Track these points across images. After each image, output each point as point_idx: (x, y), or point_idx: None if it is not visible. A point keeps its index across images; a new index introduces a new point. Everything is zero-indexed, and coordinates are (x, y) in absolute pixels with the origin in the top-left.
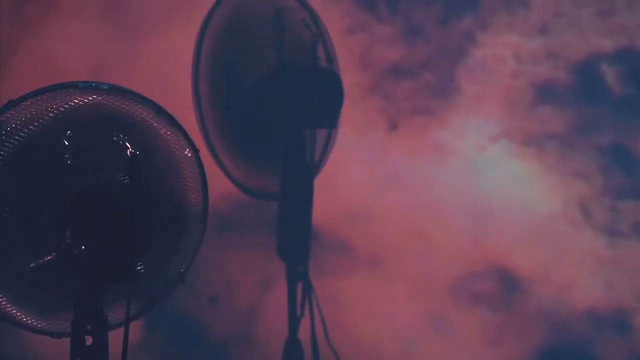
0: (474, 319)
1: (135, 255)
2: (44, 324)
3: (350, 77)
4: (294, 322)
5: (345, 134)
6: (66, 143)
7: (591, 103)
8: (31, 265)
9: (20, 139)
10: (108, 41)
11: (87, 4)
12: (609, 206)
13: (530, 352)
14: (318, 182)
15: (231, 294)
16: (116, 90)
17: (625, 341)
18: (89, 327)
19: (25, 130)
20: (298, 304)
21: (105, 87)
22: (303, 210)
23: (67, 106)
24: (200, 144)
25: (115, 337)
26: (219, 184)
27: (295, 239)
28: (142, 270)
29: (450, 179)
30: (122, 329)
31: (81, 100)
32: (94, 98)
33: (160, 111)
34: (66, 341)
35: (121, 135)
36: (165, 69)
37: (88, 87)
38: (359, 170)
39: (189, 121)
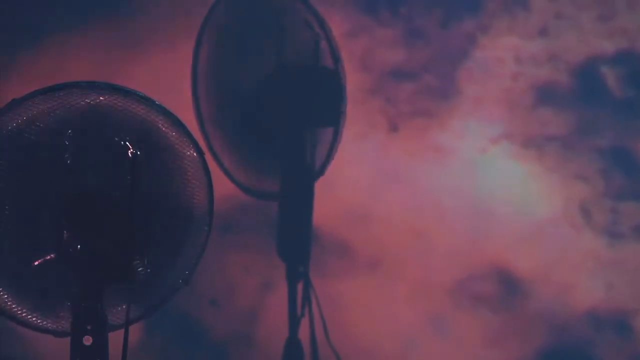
0: (474, 320)
1: (135, 255)
2: (46, 323)
3: (351, 80)
4: (294, 322)
5: (346, 136)
6: (66, 143)
7: (591, 105)
8: (31, 265)
9: (21, 138)
10: (108, 41)
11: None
12: (609, 208)
13: (531, 353)
14: (318, 183)
15: (232, 294)
16: (118, 91)
17: (626, 342)
18: (89, 327)
19: (26, 129)
20: (298, 305)
21: (108, 87)
22: (303, 212)
23: (68, 106)
24: (200, 144)
25: (115, 338)
26: (220, 184)
27: (296, 240)
28: (143, 272)
29: (451, 180)
30: (122, 330)
31: (83, 100)
32: (95, 98)
33: (163, 112)
34: (66, 341)
35: (122, 136)
36: (165, 69)
37: (90, 87)
38: (360, 172)
39: (189, 121)
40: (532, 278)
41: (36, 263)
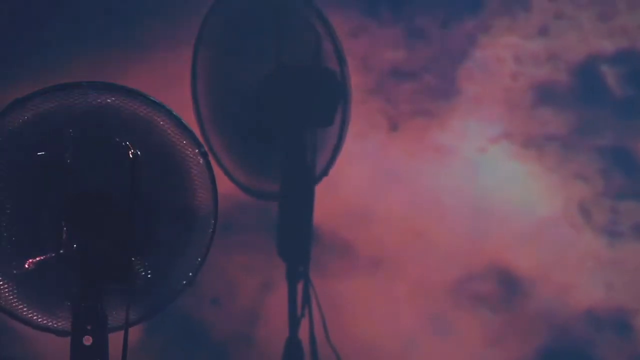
0: (474, 320)
1: (135, 255)
2: (48, 322)
3: (352, 79)
4: (294, 322)
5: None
6: (66, 143)
7: (591, 104)
8: (30, 264)
9: (21, 138)
10: (108, 41)
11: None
12: (609, 207)
13: (530, 353)
14: (318, 183)
15: (232, 294)
16: (119, 90)
17: (626, 342)
18: (89, 327)
19: (27, 129)
20: (299, 305)
21: (108, 87)
22: (303, 211)
23: (69, 106)
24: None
25: (115, 338)
26: (220, 184)
27: (296, 240)
28: (143, 272)
29: (451, 180)
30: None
31: (83, 100)
32: (96, 98)
33: (165, 111)
34: (66, 341)
35: (123, 136)
36: (165, 69)
37: (90, 86)
38: (360, 172)
39: (189, 121)
40: (531, 278)
41: (28, 262)
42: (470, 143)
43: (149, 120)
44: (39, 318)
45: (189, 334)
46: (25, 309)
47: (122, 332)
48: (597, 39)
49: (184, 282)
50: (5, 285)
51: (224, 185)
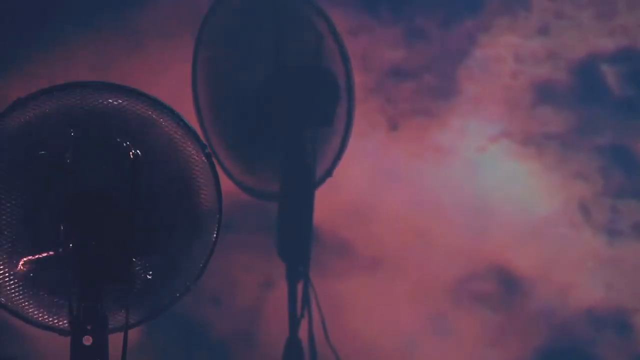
0: (474, 319)
1: (135, 255)
2: (50, 321)
3: None
4: (294, 322)
5: None
6: (67, 143)
7: (591, 103)
8: (24, 263)
9: (22, 138)
10: (108, 41)
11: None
12: (608, 206)
13: (530, 352)
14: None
15: (232, 294)
16: (120, 90)
17: (625, 341)
18: (89, 327)
19: (27, 129)
20: (299, 305)
21: (109, 87)
22: (303, 211)
23: (69, 106)
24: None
25: (115, 338)
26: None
27: (296, 240)
28: (144, 273)
29: (451, 179)
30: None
31: (84, 100)
32: (97, 97)
33: (167, 111)
34: (66, 341)
35: (123, 136)
36: (165, 69)
37: (91, 86)
38: (360, 171)
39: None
40: (531, 277)
41: (23, 260)
42: (470, 142)
43: (150, 120)
44: (43, 317)
45: (189, 334)
46: (29, 308)
47: (122, 332)
48: (597, 38)
49: (188, 282)
50: (9, 284)
51: (224, 185)
